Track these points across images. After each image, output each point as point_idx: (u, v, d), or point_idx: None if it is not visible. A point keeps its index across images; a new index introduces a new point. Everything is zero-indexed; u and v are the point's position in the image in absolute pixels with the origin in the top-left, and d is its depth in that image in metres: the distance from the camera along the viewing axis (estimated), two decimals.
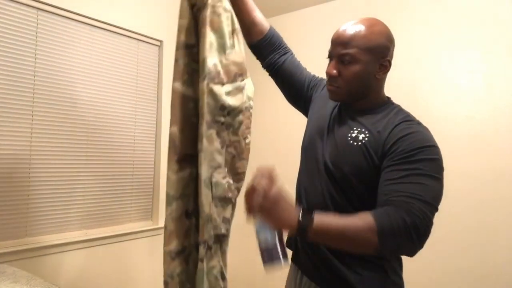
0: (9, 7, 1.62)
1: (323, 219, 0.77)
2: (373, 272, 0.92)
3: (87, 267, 1.87)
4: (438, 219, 2.08)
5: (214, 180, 0.97)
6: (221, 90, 0.98)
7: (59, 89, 1.79)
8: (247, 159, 1.09)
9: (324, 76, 1.21)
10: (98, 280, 1.92)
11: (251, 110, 1.10)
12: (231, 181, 1.02)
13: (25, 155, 1.68)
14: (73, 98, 1.84)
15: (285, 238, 0.83)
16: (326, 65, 0.98)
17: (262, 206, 0.75)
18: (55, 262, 1.76)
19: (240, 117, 1.05)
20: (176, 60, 1.01)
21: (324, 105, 1.09)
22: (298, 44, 2.65)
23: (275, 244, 0.78)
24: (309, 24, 2.58)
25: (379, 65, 0.93)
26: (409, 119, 0.92)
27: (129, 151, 2.10)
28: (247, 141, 1.09)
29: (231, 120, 1.02)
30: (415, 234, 0.76)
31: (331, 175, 0.94)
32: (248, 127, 1.09)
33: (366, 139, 0.90)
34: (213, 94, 0.96)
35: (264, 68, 1.24)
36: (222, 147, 0.99)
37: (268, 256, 0.78)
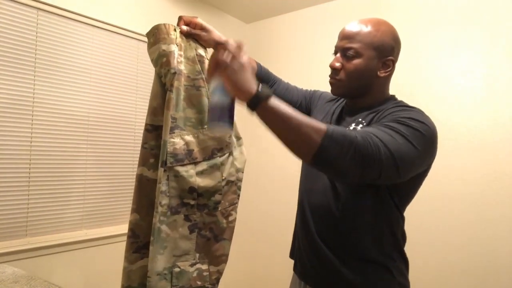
0: (9, 7, 1.62)
1: (280, 102, 0.74)
2: (378, 274, 0.91)
3: (87, 267, 1.87)
4: (439, 218, 2.08)
5: (176, 270, 0.92)
6: (190, 172, 0.93)
7: (59, 89, 1.79)
8: (229, 239, 1.01)
9: (317, 87, 1.23)
10: (98, 280, 1.92)
11: (239, 184, 1.02)
12: (204, 267, 0.96)
13: (25, 155, 1.68)
14: (73, 98, 1.84)
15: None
16: (326, 65, 0.99)
17: (229, 65, 0.72)
18: (55, 262, 1.76)
19: (217, 196, 0.97)
20: (143, 143, 0.97)
21: (324, 112, 1.10)
22: (298, 44, 2.66)
23: (226, 106, 0.74)
24: (309, 24, 2.58)
25: (382, 63, 0.94)
26: (410, 105, 0.93)
27: (129, 151, 2.10)
28: (230, 219, 1.01)
29: (205, 201, 0.96)
30: (358, 157, 0.73)
31: None
32: (233, 203, 1.01)
33: (363, 126, 0.92)
34: (178, 177, 0.92)
35: None
36: (191, 231, 0.95)
37: (216, 115, 0.74)
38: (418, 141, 0.80)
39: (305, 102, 1.19)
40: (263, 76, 1.18)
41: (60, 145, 1.80)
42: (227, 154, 1.00)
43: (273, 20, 2.81)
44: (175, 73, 0.93)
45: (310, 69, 2.50)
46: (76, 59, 1.85)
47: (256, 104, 0.72)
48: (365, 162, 0.73)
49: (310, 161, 0.75)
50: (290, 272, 1.13)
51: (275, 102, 0.73)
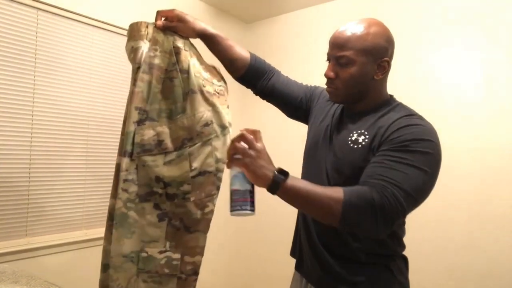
0: (9, 7, 1.62)
1: (296, 180, 0.81)
2: (378, 273, 0.92)
3: (87, 267, 1.87)
4: (438, 218, 2.07)
5: (143, 255, 0.93)
6: (158, 162, 0.95)
7: (59, 89, 1.79)
8: (203, 231, 0.99)
9: (317, 82, 1.22)
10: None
11: (219, 174, 1.01)
12: (175, 256, 0.96)
13: (25, 155, 1.68)
14: (73, 98, 1.84)
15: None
16: (326, 64, 0.98)
17: (246, 153, 0.79)
18: (55, 262, 1.76)
19: (185, 187, 0.97)
20: (121, 134, 0.98)
21: (324, 113, 1.09)
22: (298, 44, 2.66)
23: (247, 192, 0.81)
24: (309, 24, 2.58)
25: (377, 66, 0.92)
26: (410, 113, 0.92)
27: None
28: (206, 210, 0.99)
29: (174, 190, 0.97)
30: (380, 215, 0.76)
31: (334, 181, 0.94)
32: (210, 195, 1.00)
33: (366, 140, 0.90)
34: (145, 167, 0.94)
35: (256, 95, 1.20)
36: (161, 220, 0.96)
37: (237, 200, 0.80)
38: (429, 164, 0.82)
39: (305, 98, 1.17)
40: (257, 68, 1.13)
41: (60, 145, 1.80)
42: (199, 144, 1.00)
43: (273, 20, 2.81)
44: (138, 67, 0.96)
45: (310, 69, 2.50)
46: (76, 59, 1.85)
47: (275, 189, 0.79)
48: (389, 218, 0.77)
49: (338, 228, 0.81)
50: (291, 270, 1.13)
51: (292, 183, 0.79)
